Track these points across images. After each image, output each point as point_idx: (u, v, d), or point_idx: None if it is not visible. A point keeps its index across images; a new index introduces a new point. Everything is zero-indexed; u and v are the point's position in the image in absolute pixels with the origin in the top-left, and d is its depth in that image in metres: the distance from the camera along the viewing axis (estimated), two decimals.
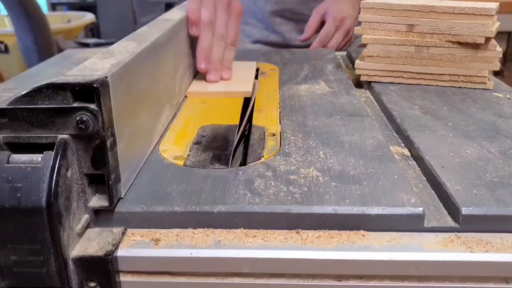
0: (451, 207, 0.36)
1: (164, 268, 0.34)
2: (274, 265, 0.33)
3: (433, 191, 0.40)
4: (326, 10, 0.97)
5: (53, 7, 3.42)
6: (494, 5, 0.60)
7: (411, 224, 0.35)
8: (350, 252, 0.33)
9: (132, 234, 0.35)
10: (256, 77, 0.71)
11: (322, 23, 0.98)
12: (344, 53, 0.89)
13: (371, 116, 0.53)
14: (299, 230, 0.35)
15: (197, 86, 0.65)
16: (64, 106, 0.32)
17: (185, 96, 0.62)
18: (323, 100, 0.58)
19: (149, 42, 0.46)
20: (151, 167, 0.42)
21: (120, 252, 0.33)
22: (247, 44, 1.09)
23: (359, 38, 1.10)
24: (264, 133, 0.50)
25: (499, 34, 0.63)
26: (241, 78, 0.68)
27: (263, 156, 0.44)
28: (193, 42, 0.68)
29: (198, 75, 0.69)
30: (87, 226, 0.35)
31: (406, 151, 0.47)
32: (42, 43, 1.88)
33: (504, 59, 2.42)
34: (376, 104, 0.61)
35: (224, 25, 0.67)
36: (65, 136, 0.32)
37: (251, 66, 0.74)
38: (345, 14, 0.95)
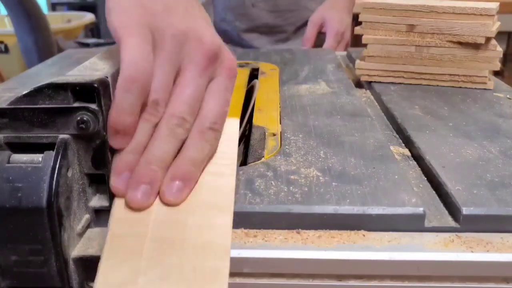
0: (452, 207, 0.36)
1: None
2: (274, 265, 0.33)
3: (433, 191, 0.40)
4: (324, 21, 0.96)
5: (53, 7, 3.42)
6: (494, 5, 0.60)
7: (412, 224, 0.35)
8: (351, 252, 0.33)
9: None
10: (256, 77, 0.71)
11: (319, 33, 0.98)
12: (344, 53, 0.89)
13: (372, 116, 0.53)
14: (300, 230, 0.35)
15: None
16: (65, 106, 0.32)
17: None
18: (324, 100, 0.58)
19: None
20: None
21: None
22: None
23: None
24: (265, 133, 0.50)
25: (499, 34, 0.63)
26: (207, 205, 0.34)
27: (263, 156, 0.44)
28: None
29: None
30: (88, 226, 0.35)
31: (406, 151, 0.47)
32: (42, 43, 1.88)
33: (504, 59, 2.41)
34: (376, 104, 0.61)
35: (192, 98, 0.35)
36: (65, 136, 0.32)
37: (232, 135, 0.41)
38: (344, 27, 0.95)
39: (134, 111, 0.32)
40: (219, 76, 0.37)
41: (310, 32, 0.98)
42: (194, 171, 0.34)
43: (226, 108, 0.37)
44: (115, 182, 0.33)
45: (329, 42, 0.96)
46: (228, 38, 1.05)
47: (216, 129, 0.36)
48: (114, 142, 0.33)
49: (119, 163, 0.33)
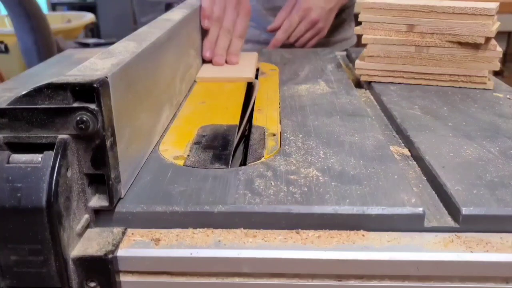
0: (451, 207, 0.36)
1: (164, 268, 0.34)
2: (274, 265, 0.33)
3: (433, 191, 0.40)
4: (296, 1, 0.95)
5: (53, 7, 3.42)
6: (494, 5, 0.60)
7: (411, 224, 0.35)
8: (350, 252, 0.33)
9: (132, 234, 0.35)
10: (256, 77, 0.71)
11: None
12: (344, 53, 0.89)
13: (371, 116, 0.53)
14: (299, 230, 0.35)
15: (205, 73, 0.73)
16: (64, 106, 0.32)
17: (195, 81, 0.70)
18: (323, 100, 0.58)
19: (149, 42, 0.46)
20: (151, 167, 0.42)
21: (120, 252, 0.33)
22: None
23: (348, 41, 1.09)
24: (264, 133, 0.50)
25: (499, 34, 0.63)
26: (243, 66, 0.76)
27: (263, 156, 0.44)
28: (193, 41, 0.69)
29: (206, 63, 0.78)
30: (87, 226, 0.35)
31: (406, 151, 0.47)
32: (42, 43, 1.88)
33: (504, 59, 2.42)
34: (376, 104, 0.61)
35: (231, 21, 0.78)
36: (65, 136, 0.32)
37: (253, 56, 0.82)
38: (310, 5, 0.92)
39: (210, 7, 0.76)
40: (240, 12, 0.80)
41: (283, 10, 0.95)
42: (237, 52, 0.78)
43: (246, 29, 0.81)
44: (206, 53, 0.76)
45: (290, 15, 0.92)
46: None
47: (242, 37, 0.80)
48: (203, 24, 0.75)
49: (206, 46, 0.76)
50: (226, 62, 0.77)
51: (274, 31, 0.95)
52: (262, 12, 1.03)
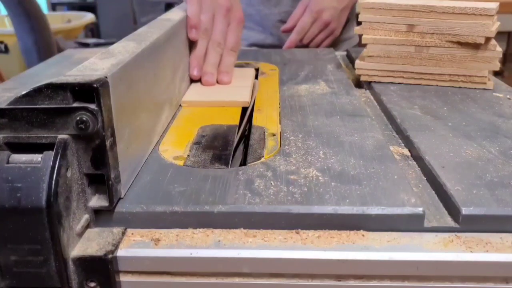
0: (451, 207, 0.36)
1: (164, 268, 0.34)
2: (274, 265, 0.33)
3: (433, 191, 0.40)
4: (309, 2, 0.96)
5: (53, 7, 3.42)
6: (494, 5, 0.60)
7: (411, 224, 0.35)
8: (350, 252, 0.33)
9: (132, 234, 0.35)
10: (256, 77, 0.71)
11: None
12: (344, 53, 0.89)
13: (371, 116, 0.53)
14: (299, 230, 0.35)
15: (192, 95, 0.62)
16: (64, 106, 0.32)
17: (180, 105, 0.59)
18: (323, 100, 0.58)
19: (149, 42, 0.46)
20: (151, 167, 0.42)
21: (120, 252, 0.33)
22: (243, 47, 1.07)
23: (351, 39, 1.10)
24: (264, 133, 0.50)
25: (499, 34, 0.63)
26: (238, 87, 0.65)
27: (263, 156, 0.44)
28: (193, 42, 0.69)
29: (195, 83, 0.66)
30: (87, 226, 0.35)
31: (406, 151, 0.47)
32: (42, 43, 1.88)
33: (504, 59, 2.42)
34: (376, 104, 0.61)
35: (222, 32, 0.67)
36: (65, 136, 0.32)
37: (249, 73, 0.71)
38: (322, 6, 0.93)
39: (197, 15, 0.64)
40: (232, 22, 0.68)
41: (296, 10, 0.96)
42: (230, 69, 0.67)
43: (239, 41, 0.70)
44: (193, 71, 0.65)
45: (303, 17, 0.93)
46: (254, 22, 1.04)
47: (235, 50, 0.69)
48: (190, 34, 0.64)
49: (193, 63, 0.65)
50: (217, 81, 0.66)
51: (287, 32, 0.96)
52: (269, 16, 1.03)
